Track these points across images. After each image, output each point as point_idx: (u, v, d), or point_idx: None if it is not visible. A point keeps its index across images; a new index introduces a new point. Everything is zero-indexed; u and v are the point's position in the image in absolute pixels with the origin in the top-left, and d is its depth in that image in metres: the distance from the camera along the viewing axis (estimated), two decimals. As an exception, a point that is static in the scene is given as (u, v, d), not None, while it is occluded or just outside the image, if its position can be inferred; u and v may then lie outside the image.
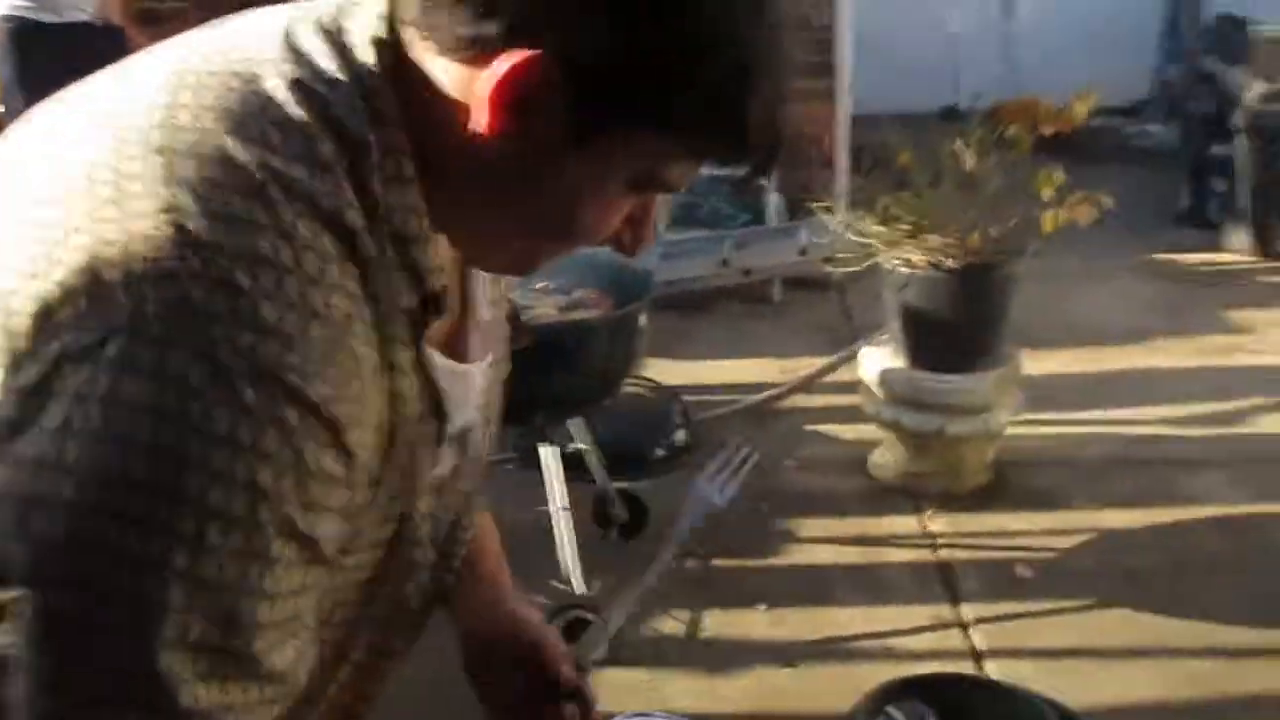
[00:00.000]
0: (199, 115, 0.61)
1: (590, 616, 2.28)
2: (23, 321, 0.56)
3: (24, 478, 0.55)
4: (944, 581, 2.61)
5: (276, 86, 0.62)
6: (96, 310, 0.55)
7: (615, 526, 2.78)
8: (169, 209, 0.57)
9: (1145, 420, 3.39)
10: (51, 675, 0.55)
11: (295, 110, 0.61)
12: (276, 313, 0.56)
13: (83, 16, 3.47)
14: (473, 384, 0.81)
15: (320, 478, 0.58)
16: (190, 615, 0.55)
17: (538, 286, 2.48)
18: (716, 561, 2.71)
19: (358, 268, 0.61)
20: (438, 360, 0.70)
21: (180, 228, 0.56)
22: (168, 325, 0.54)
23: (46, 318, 0.56)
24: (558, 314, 2.30)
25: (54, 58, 3.34)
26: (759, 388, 3.80)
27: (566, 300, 2.39)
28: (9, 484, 0.56)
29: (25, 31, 3.45)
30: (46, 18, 3.45)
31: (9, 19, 3.50)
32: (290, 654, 0.61)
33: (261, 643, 0.58)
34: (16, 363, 0.56)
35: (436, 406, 0.70)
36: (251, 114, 0.61)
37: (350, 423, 0.60)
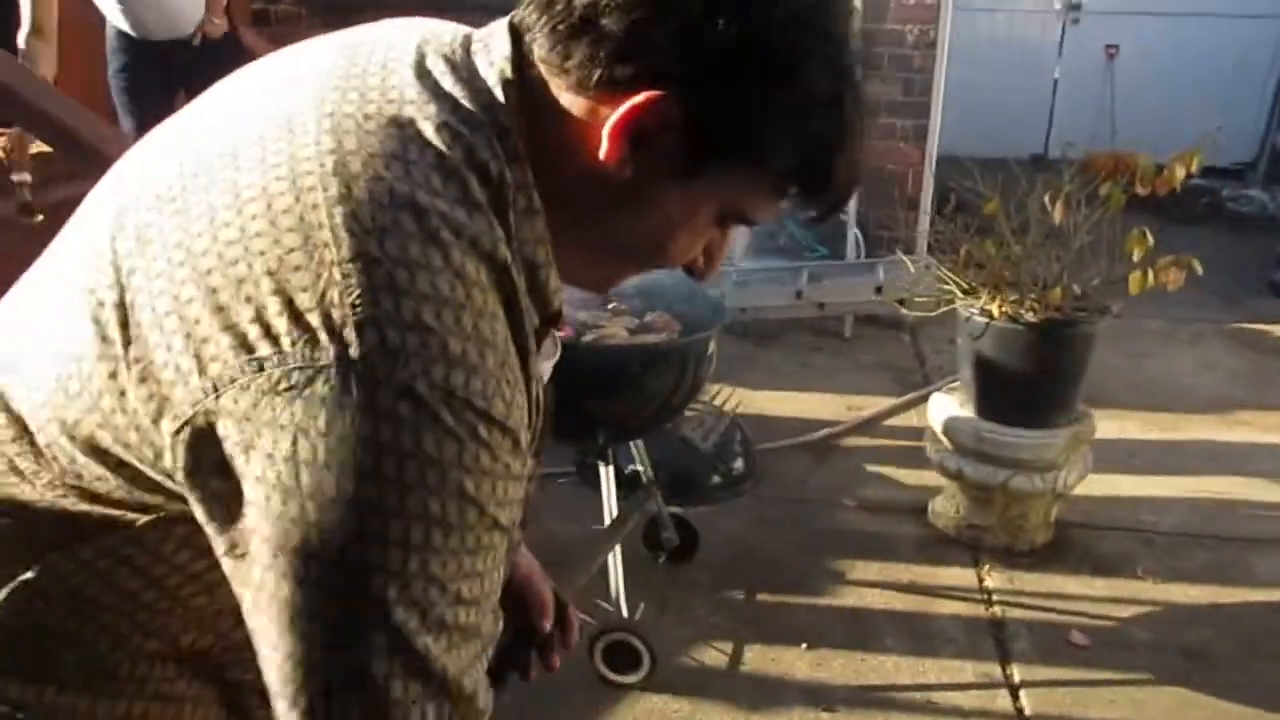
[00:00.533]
0: (368, 163, 0.66)
1: (633, 640, 2.29)
2: (219, 351, 0.63)
3: (259, 496, 0.64)
4: (996, 639, 2.55)
5: (429, 130, 0.68)
6: (304, 351, 0.62)
7: (665, 550, 2.78)
8: (358, 256, 0.63)
9: (1221, 493, 3.28)
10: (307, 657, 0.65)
11: (449, 154, 0.67)
12: (460, 346, 0.63)
13: (179, 36, 3.57)
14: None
15: (510, 478, 0.68)
16: (426, 604, 0.65)
17: (610, 307, 2.50)
18: (761, 596, 2.69)
19: (504, 295, 0.68)
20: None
21: (372, 275, 0.62)
22: (371, 365, 0.62)
23: (248, 351, 0.63)
24: (627, 336, 2.31)
25: (151, 70, 3.47)
26: (823, 424, 3.77)
27: (637, 323, 2.40)
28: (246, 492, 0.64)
29: (125, 42, 3.57)
30: (140, 35, 3.56)
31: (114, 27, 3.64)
32: (491, 617, 0.71)
33: (479, 613, 0.69)
34: (215, 387, 0.63)
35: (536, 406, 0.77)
36: (414, 161, 0.66)
37: (519, 428, 0.68)
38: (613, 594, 2.34)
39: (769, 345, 4.65)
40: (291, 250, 0.63)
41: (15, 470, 0.74)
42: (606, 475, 2.38)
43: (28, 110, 2.90)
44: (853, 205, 4.70)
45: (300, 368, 0.62)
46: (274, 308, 0.63)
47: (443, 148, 0.67)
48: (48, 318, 0.73)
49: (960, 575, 2.82)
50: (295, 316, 0.62)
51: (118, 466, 0.70)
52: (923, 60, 4.86)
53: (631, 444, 2.56)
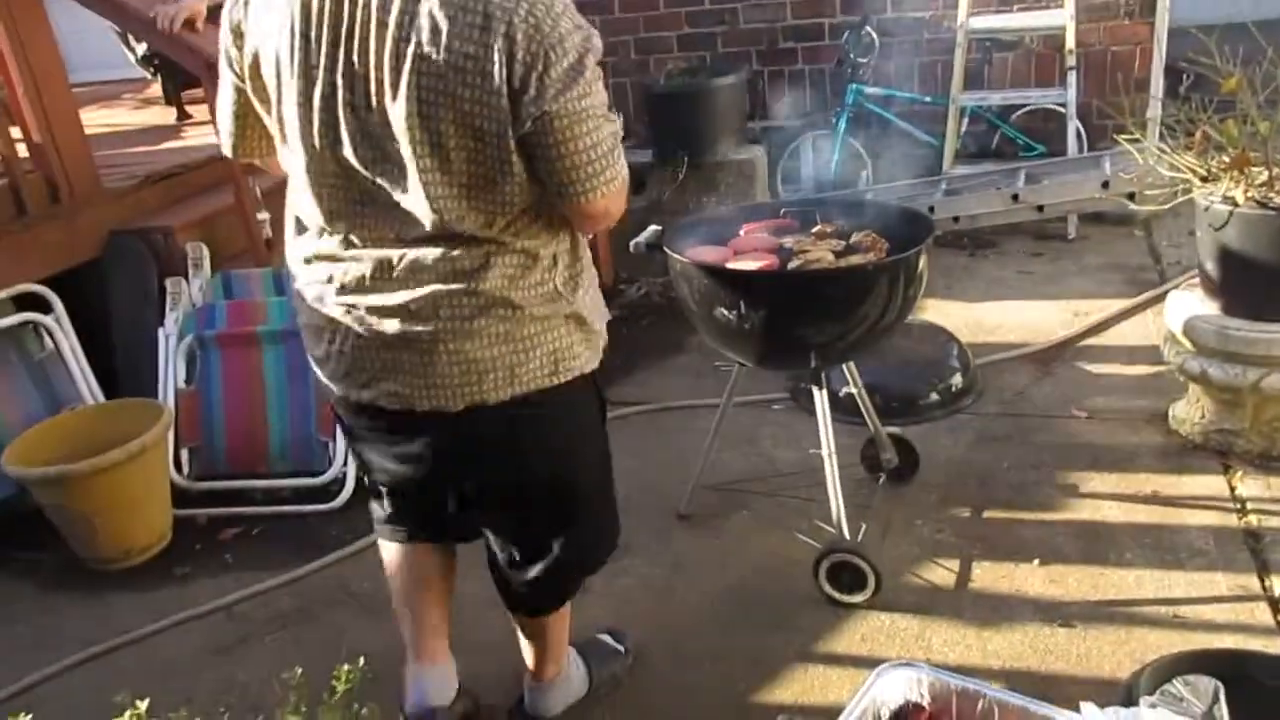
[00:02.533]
0: None
1: (856, 560, 2.31)
2: None
3: None
4: (1251, 550, 2.39)
5: None
6: None
7: (885, 471, 2.77)
8: None
9: None
10: None
11: None
12: None
13: None
14: None
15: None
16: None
17: (814, 231, 2.48)
18: (989, 513, 2.64)
19: None
20: None
21: None
22: None
23: None
24: (833, 259, 2.29)
25: None
26: (1047, 332, 3.60)
27: (843, 245, 2.37)
28: None
29: None
30: None
31: None
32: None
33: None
34: None
35: None
36: None
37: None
38: (834, 516, 2.37)
39: (986, 254, 4.46)
40: None
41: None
42: (821, 399, 2.39)
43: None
44: (1071, 94, 4.38)
45: None
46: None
47: None
48: None
49: (1208, 484, 2.65)
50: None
51: None
52: (1146, -75, 4.42)
53: (844, 366, 2.55)
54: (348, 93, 1.48)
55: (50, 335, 3.11)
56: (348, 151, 1.52)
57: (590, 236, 1.83)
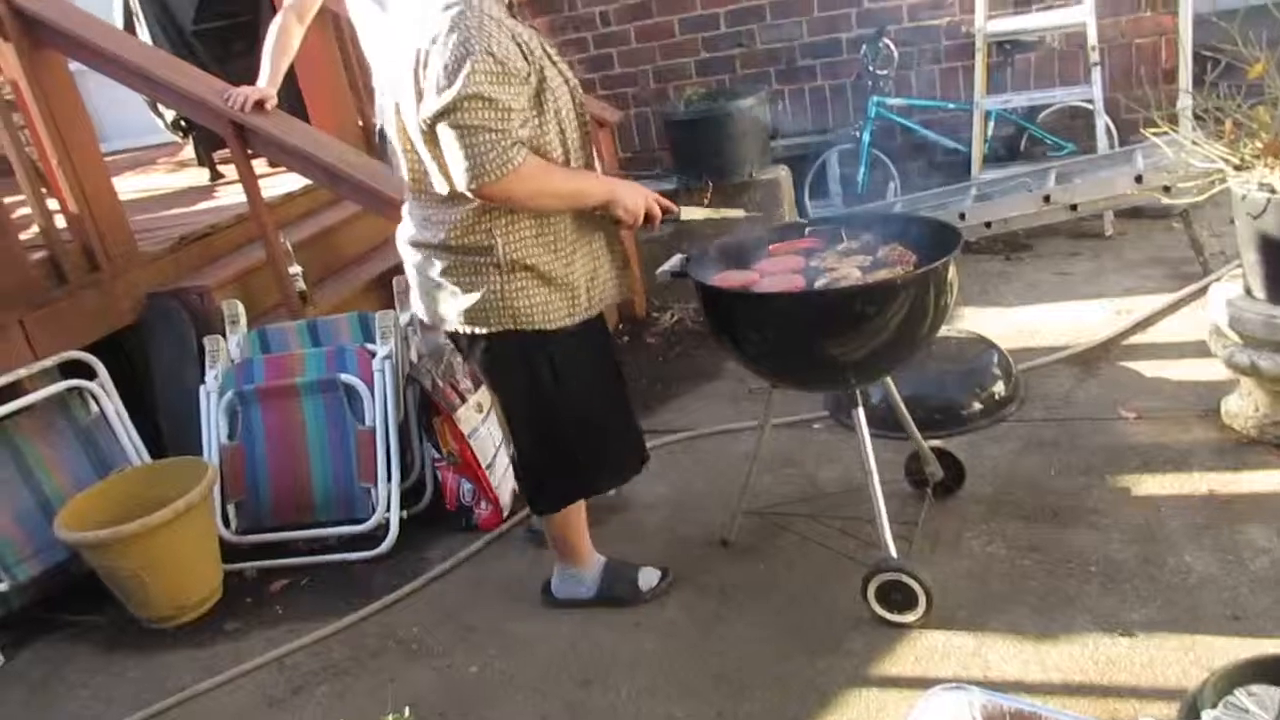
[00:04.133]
0: None
1: (905, 579, 2.27)
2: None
3: None
4: (1318, 547, 2.31)
5: None
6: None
7: (930, 485, 2.72)
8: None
9: None
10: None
11: None
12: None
13: None
14: None
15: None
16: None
17: (840, 248, 2.46)
18: (1039, 522, 2.57)
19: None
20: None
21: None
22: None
23: None
24: (860, 275, 2.26)
25: None
26: (1090, 332, 3.53)
27: (870, 260, 2.34)
28: None
29: None
30: None
31: None
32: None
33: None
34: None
35: None
36: None
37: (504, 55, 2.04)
38: (881, 534, 2.32)
39: (1022, 258, 4.39)
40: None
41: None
42: (859, 416, 2.35)
43: (295, 153, 3.24)
44: (1097, 91, 4.33)
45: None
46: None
47: None
48: None
49: (1267, 480, 2.57)
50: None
51: None
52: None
53: (882, 382, 2.52)
54: None
55: (96, 400, 3.17)
56: None
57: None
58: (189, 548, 2.84)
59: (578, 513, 2.53)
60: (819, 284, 2.26)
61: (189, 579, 2.87)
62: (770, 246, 2.55)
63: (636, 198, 2.21)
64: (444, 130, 1.98)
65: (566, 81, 2.16)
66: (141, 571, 2.75)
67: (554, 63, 2.14)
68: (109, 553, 2.75)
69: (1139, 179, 3.89)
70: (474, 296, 2.18)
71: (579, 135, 2.19)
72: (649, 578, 2.60)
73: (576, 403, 2.33)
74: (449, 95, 1.93)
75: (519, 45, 2.00)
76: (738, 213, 2.55)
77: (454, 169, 2.01)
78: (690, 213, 2.47)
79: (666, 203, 2.28)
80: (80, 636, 2.91)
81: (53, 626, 2.96)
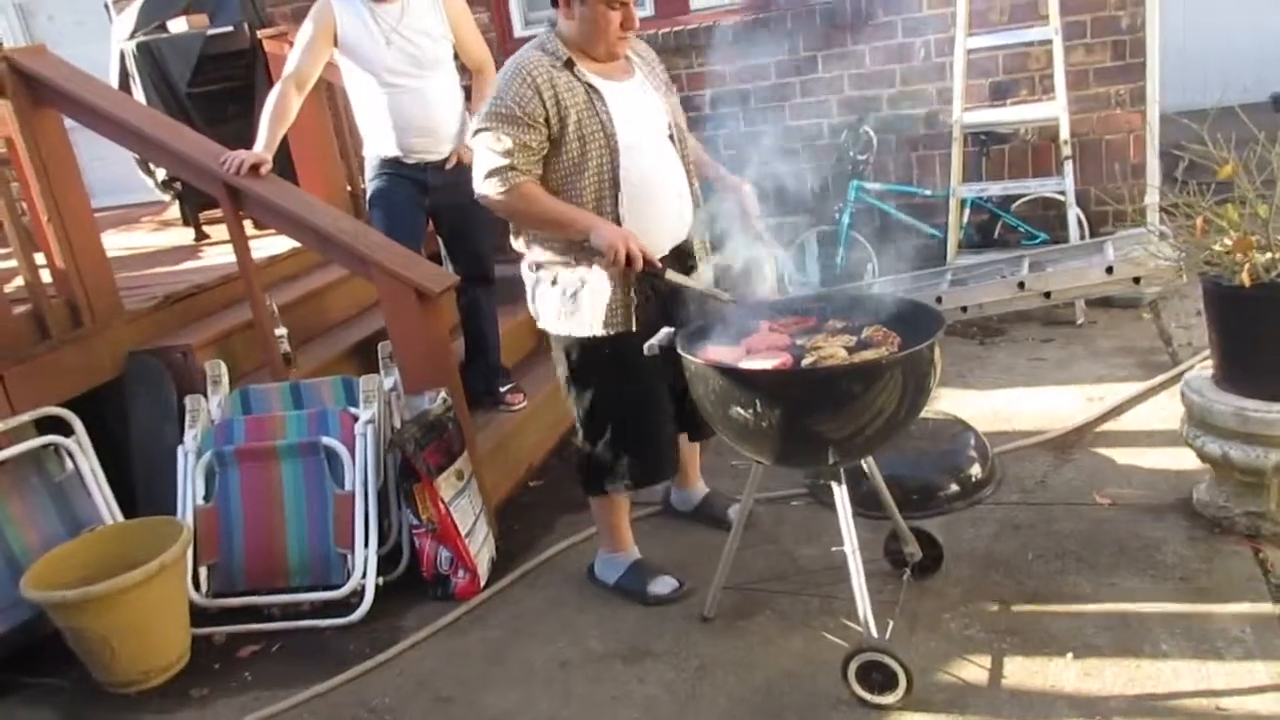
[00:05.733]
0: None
1: (886, 660, 2.27)
2: None
3: None
4: (1290, 636, 2.34)
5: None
6: None
7: (909, 565, 2.73)
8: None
9: None
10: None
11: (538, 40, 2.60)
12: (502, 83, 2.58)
13: (435, 159, 3.67)
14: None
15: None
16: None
17: (827, 327, 2.51)
18: (1017, 605, 2.59)
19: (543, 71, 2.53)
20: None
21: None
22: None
23: None
24: (846, 355, 2.31)
25: (404, 185, 3.69)
26: (1064, 418, 3.59)
27: (855, 340, 2.39)
28: None
29: (387, 165, 3.73)
30: (402, 155, 3.67)
31: None
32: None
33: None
34: None
35: None
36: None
37: (516, 107, 2.54)
38: (860, 615, 2.33)
39: (996, 342, 4.48)
40: None
41: None
42: (841, 494, 2.38)
43: (288, 217, 3.27)
44: (1069, 183, 4.47)
45: None
46: None
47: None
48: None
49: (1240, 568, 2.61)
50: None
51: None
52: (1131, 18, 4.57)
53: (863, 461, 2.55)
54: None
55: (71, 457, 3.13)
56: None
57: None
58: (159, 611, 2.79)
59: (615, 505, 2.91)
60: (805, 362, 2.31)
61: (157, 643, 2.81)
62: (757, 323, 2.59)
63: (613, 236, 2.46)
64: (474, 143, 2.53)
65: (606, 139, 2.51)
66: (109, 634, 2.69)
67: (597, 114, 2.51)
68: (77, 614, 2.69)
69: (1110, 270, 3.99)
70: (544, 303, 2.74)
71: (610, 180, 2.53)
72: (662, 585, 2.86)
73: (597, 403, 2.73)
74: (476, 121, 2.52)
75: (543, 96, 2.44)
76: (722, 294, 2.62)
77: (474, 176, 2.56)
78: (674, 276, 2.59)
79: (649, 253, 2.51)
80: (41, 699, 2.83)
81: (12, 689, 2.89)
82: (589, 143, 2.50)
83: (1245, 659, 2.28)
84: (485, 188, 2.53)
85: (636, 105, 2.60)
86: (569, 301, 2.64)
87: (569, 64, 2.52)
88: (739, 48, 5.01)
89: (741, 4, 5.04)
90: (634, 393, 2.71)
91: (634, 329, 2.62)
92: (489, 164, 2.50)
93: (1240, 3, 7.15)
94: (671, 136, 2.66)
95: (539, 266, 2.69)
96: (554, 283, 2.65)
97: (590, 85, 2.53)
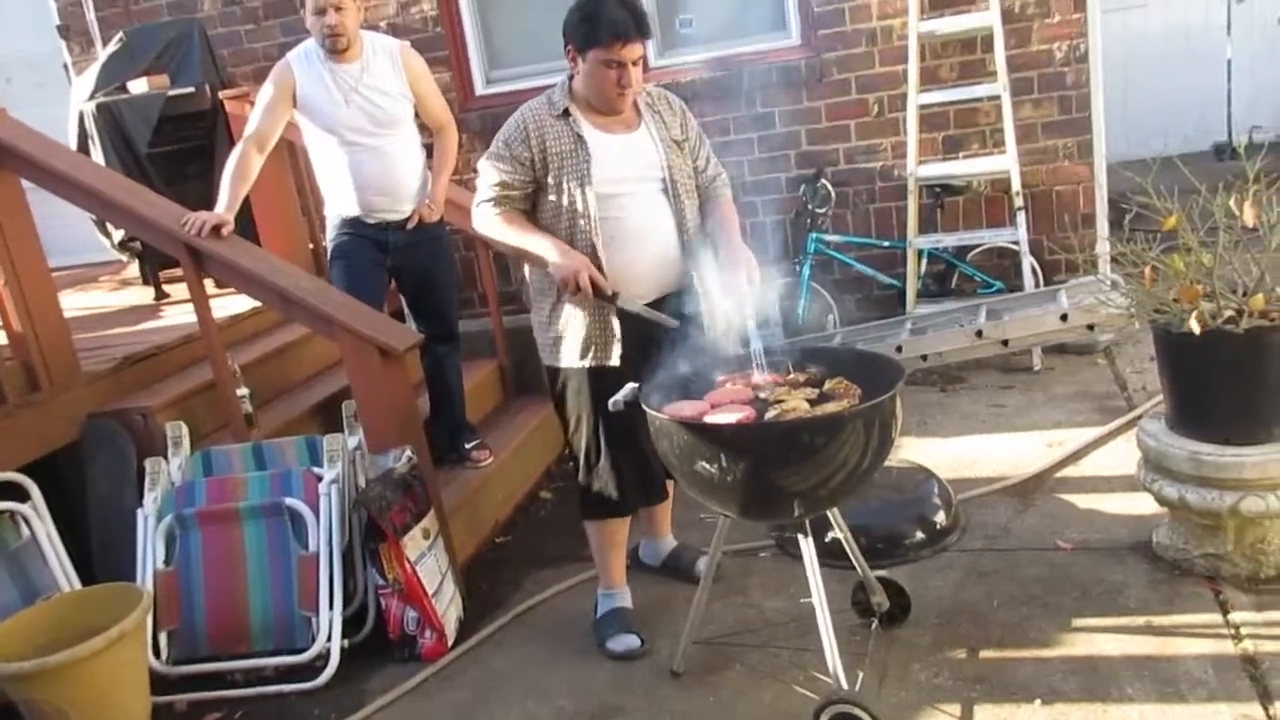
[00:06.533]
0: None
1: (856, 711, 2.27)
2: None
3: None
4: (1251, 677, 2.37)
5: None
6: None
7: (877, 615, 2.74)
8: None
9: None
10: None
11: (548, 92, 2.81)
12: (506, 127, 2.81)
13: (396, 218, 3.70)
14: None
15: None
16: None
17: (788, 379, 2.54)
18: (985, 652, 2.61)
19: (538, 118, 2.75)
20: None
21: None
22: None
23: None
24: (808, 408, 2.34)
25: (365, 244, 3.69)
26: (1024, 464, 3.64)
27: (817, 393, 2.42)
28: None
29: (348, 225, 3.73)
30: (362, 215, 3.68)
31: None
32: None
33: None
34: None
35: None
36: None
37: (509, 144, 2.82)
38: (830, 666, 2.33)
39: (956, 390, 4.55)
40: None
41: None
42: (807, 546, 2.39)
43: (250, 278, 3.26)
44: (1022, 233, 4.58)
45: None
46: None
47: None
48: None
49: (1201, 610, 2.65)
50: None
51: None
52: (1076, 75, 4.71)
53: (828, 512, 2.57)
54: None
55: (27, 523, 3.07)
56: None
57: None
58: (118, 680, 2.72)
59: (601, 534, 2.98)
60: (769, 415, 2.33)
61: (116, 714, 2.73)
62: (719, 378, 2.62)
63: (566, 264, 2.61)
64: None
65: (581, 185, 2.68)
66: (67, 706, 2.62)
67: (579, 163, 2.68)
68: (33, 685, 2.62)
69: (1064, 317, 4.09)
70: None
71: (586, 224, 2.68)
72: (619, 644, 2.89)
73: (580, 432, 2.85)
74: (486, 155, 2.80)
75: (531, 140, 2.69)
76: (669, 320, 2.70)
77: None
78: (627, 302, 2.70)
79: (601, 282, 2.63)
80: (-7, 776, 2.75)
81: (-37, 766, 2.80)
82: (567, 187, 2.68)
83: (1209, 700, 2.31)
84: (473, 215, 2.79)
85: (626, 156, 2.72)
86: (552, 332, 2.80)
87: (565, 114, 2.71)
88: (697, 105, 5.10)
89: (699, 63, 5.14)
90: (614, 423, 2.73)
91: (612, 362, 2.73)
92: (478, 195, 2.77)
93: (1179, 61, 7.44)
94: (665, 189, 2.75)
95: (535, 297, 2.86)
96: (543, 314, 2.82)
97: (579, 135, 2.69)
